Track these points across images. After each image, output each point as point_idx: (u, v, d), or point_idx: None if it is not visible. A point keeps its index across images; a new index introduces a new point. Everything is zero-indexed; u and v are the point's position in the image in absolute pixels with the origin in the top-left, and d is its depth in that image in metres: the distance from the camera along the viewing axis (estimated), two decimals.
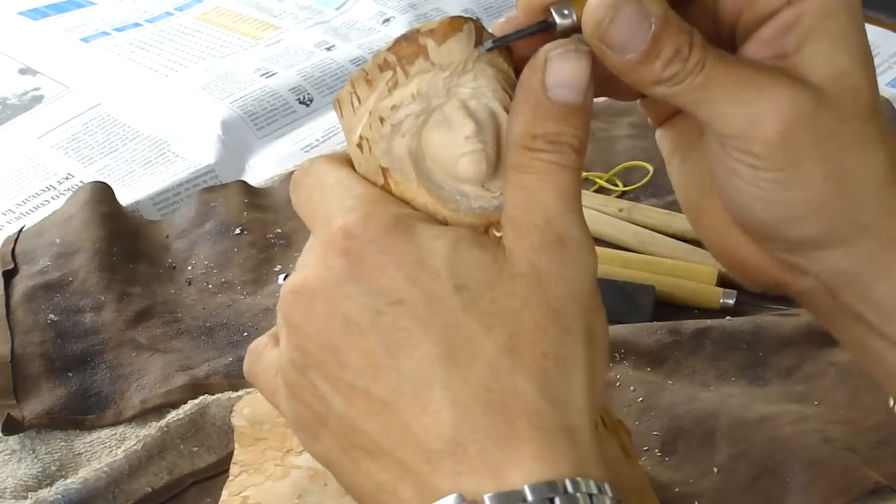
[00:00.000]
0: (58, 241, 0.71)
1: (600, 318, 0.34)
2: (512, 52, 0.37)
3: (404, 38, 0.34)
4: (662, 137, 0.40)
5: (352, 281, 0.33)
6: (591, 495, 0.30)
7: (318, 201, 0.35)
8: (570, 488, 0.30)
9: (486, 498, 0.30)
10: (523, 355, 0.32)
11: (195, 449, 0.55)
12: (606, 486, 0.31)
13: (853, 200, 0.35)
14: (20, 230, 0.73)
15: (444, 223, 0.35)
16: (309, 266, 0.34)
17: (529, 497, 0.29)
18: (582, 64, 0.33)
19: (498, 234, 0.34)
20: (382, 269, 0.33)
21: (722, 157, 0.35)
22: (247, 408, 0.50)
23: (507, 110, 0.35)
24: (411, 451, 0.32)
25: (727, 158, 0.35)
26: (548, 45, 0.34)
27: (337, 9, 1.12)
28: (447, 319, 0.32)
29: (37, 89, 0.97)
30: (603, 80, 0.35)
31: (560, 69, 0.33)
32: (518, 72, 0.35)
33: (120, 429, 0.58)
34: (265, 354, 0.38)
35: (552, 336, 0.32)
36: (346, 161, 0.37)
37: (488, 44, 0.34)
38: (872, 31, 0.46)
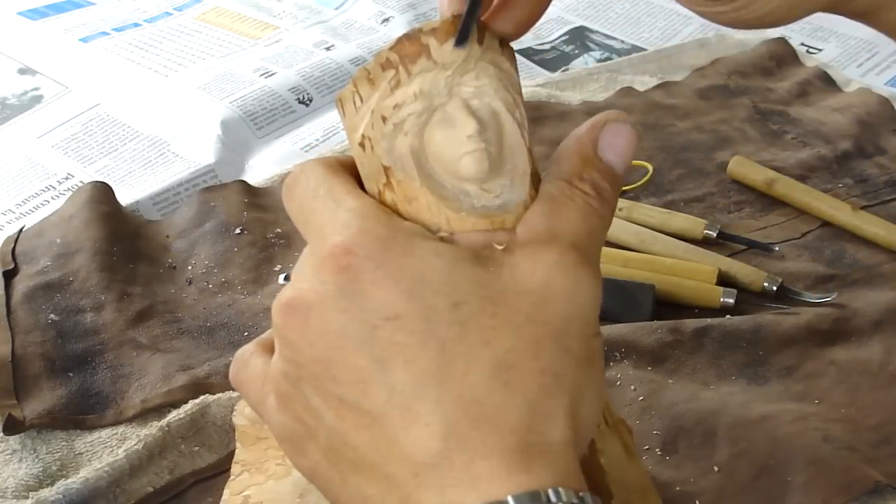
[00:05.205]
0: (58, 241, 0.71)
1: (599, 344, 0.34)
2: (513, 53, 0.37)
3: (406, 37, 0.34)
4: None
5: (348, 296, 0.33)
6: None
7: (309, 212, 0.35)
8: (552, 497, 0.30)
9: None
10: (520, 370, 0.32)
11: (196, 448, 0.55)
12: (588, 497, 0.31)
13: None
14: (20, 230, 0.73)
15: (447, 223, 0.34)
16: (305, 280, 0.34)
17: None
18: (632, 138, 0.35)
19: (500, 247, 0.34)
20: (380, 284, 0.32)
21: None
22: (248, 407, 0.50)
23: (508, 110, 0.35)
24: (397, 464, 0.32)
25: None
26: (607, 113, 0.36)
27: (336, 8, 1.12)
28: (445, 333, 0.32)
29: (36, 89, 0.97)
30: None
31: (614, 136, 0.35)
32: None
33: (121, 428, 0.58)
34: (252, 362, 0.38)
35: (552, 353, 0.32)
36: (338, 164, 0.36)
37: (451, 42, 0.34)
38: (870, 30, 0.46)
